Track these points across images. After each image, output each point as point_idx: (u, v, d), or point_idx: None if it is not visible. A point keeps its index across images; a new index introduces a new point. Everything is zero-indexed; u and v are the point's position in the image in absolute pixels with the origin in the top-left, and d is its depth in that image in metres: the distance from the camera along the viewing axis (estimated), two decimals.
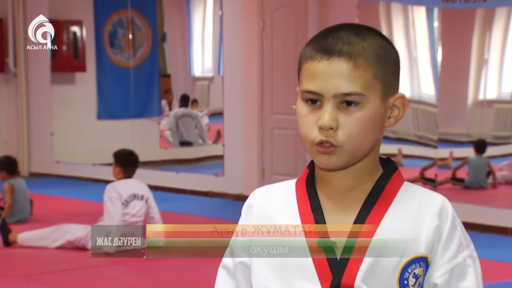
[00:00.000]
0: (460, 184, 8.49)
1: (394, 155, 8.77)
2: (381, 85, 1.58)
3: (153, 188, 10.42)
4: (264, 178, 9.55)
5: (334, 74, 1.55)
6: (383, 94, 1.58)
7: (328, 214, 1.61)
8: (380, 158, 1.66)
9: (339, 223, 1.60)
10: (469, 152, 8.47)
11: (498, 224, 7.81)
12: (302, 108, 1.59)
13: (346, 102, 1.55)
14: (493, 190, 8.52)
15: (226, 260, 1.72)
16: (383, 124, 1.61)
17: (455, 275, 1.61)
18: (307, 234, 1.59)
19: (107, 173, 11.02)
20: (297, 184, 1.68)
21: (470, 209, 7.95)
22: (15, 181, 8.35)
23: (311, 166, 1.68)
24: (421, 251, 1.58)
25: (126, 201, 6.90)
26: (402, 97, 1.62)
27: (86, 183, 11.27)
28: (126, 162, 7.10)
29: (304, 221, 1.61)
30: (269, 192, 1.70)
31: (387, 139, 8.76)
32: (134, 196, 6.95)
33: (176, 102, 11.64)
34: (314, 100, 1.57)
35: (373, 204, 1.60)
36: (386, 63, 1.59)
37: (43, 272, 6.32)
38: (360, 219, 1.59)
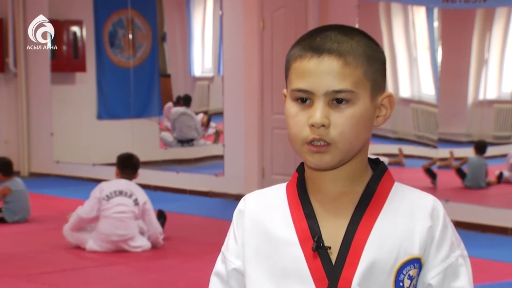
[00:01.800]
0: (461, 176, 8.47)
1: (395, 155, 8.77)
2: (370, 84, 1.58)
3: (153, 188, 10.43)
4: (264, 178, 9.56)
5: (325, 72, 1.54)
6: (372, 92, 1.59)
7: (321, 220, 1.60)
8: (369, 159, 1.66)
9: (333, 228, 1.59)
10: (469, 152, 8.47)
11: (498, 224, 7.80)
12: (292, 108, 1.58)
13: (337, 99, 1.55)
14: (493, 190, 8.52)
15: (219, 267, 1.71)
16: (373, 124, 1.61)
17: (448, 275, 1.60)
18: (301, 240, 1.59)
19: (107, 173, 11.02)
20: (287, 189, 1.67)
21: (470, 209, 7.96)
22: (11, 183, 8.33)
23: (300, 169, 1.67)
24: (415, 252, 1.58)
25: (107, 196, 7.03)
26: (390, 96, 1.62)
27: (86, 183, 11.26)
28: (123, 165, 7.32)
29: (298, 227, 1.60)
30: (260, 198, 1.69)
31: (387, 139, 8.77)
32: (120, 193, 7.07)
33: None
34: (304, 99, 1.56)
35: (365, 208, 1.60)
36: (375, 62, 1.59)
37: (43, 272, 6.32)
38: (353, 223, 1.58)
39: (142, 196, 7.13)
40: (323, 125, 1.54)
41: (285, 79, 1.63)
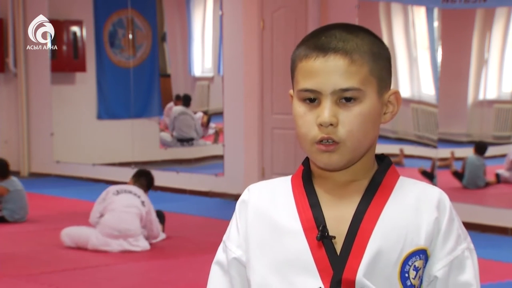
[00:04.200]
0: (459, 179, 8.47)
1: (395, 155, 8.77)
2: (377, 81, 1.58)
3: (153, 188, 10.43)
4: (264, 178, 9.55)
5: (331, 71, 1.55)
6: (379, 89, 1.59)
7: (326, 209, 1.60)
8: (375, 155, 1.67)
9: (338, 218, 1.59)
10: (469, 152, 8.47)
11: (498, 224, 7.81)
12: (299, 108, 1.58)
13: (345, 98, 1.55)
14: (493, 190, 8.52)
15: (220, 256, 1.70)
16: (380, 121, 1.61)
17: (454, 268, 1.60)
18: (306, 230, 1.59)
19: (107, 173, 11.03)
20: (293, 180, 1.67)
21: (470, 209, 7.96)
22: (8, 183, 8.32)
23: (306, 162, 1.66)
24: (421, 243, 1.58)
25: (117, 191, 7.14)
26: (396, 92, 1.63)
27: (86, 183, 11.27)
28: (140, 174, 7.45)
29: (302, 217, 1.60)
30: (264, 188, 1.69)
31: (387, 139, 8.77)
32: (129, 192, 7.15)
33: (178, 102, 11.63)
34: (311, 98, 1.56)
35: (371, 198, 1.59)
36: (380, 59, 1.59)
37: (43, 272, 6.32)
38: (359, 212, 1.58)
39: (148, 202, 7.17)
40: (331, 124, 1.54)
41: (291, 79, 1.63)
